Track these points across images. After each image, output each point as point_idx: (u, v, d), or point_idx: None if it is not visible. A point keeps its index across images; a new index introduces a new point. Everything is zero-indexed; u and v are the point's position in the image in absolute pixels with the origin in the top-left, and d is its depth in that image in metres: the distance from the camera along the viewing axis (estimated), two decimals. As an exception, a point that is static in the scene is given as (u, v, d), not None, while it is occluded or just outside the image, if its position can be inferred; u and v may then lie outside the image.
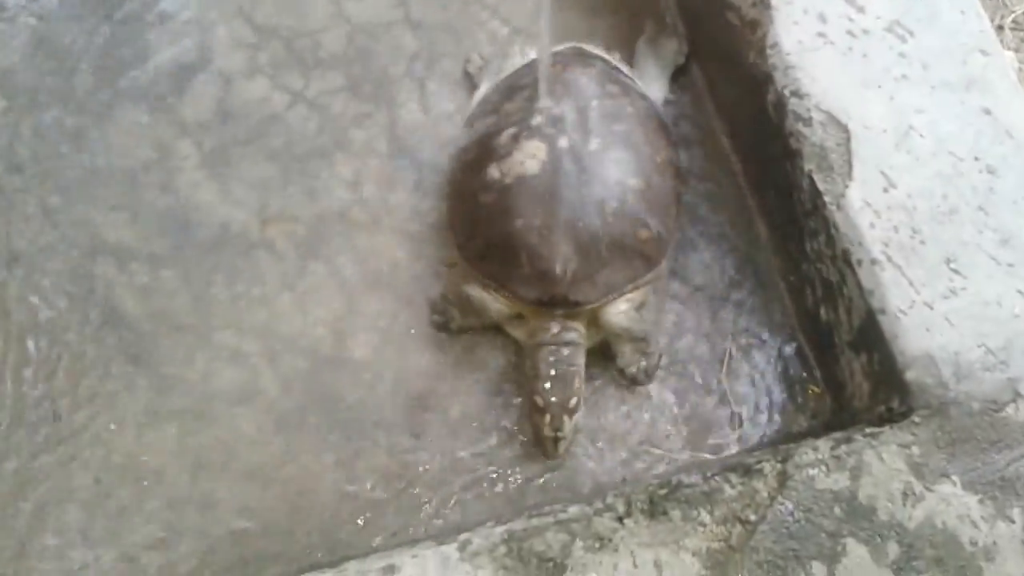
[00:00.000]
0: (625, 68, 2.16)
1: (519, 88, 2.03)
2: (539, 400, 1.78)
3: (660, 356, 1.93)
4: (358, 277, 2.04)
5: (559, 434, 1.78)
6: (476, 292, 1.89)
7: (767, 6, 1.90)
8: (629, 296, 1.86)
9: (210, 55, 2.29)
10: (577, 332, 1.84)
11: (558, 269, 1.77)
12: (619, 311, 1.85)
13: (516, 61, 2.19)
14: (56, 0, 2.34)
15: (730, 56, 2.04)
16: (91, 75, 2.27)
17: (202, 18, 2.32)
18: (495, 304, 1.88)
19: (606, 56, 2.15)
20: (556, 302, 1.81)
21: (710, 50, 2.22)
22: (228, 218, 2.10)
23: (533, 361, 1.83)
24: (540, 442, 1.82)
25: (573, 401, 1.78)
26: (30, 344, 1.98)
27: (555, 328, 1.83)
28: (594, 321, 1.88)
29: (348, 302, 2.01)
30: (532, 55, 2.15)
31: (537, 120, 1.88)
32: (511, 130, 1.90)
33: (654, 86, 2.17)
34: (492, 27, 2.31)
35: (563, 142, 1.83)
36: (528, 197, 1.80)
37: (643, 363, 1.90)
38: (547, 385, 1.79)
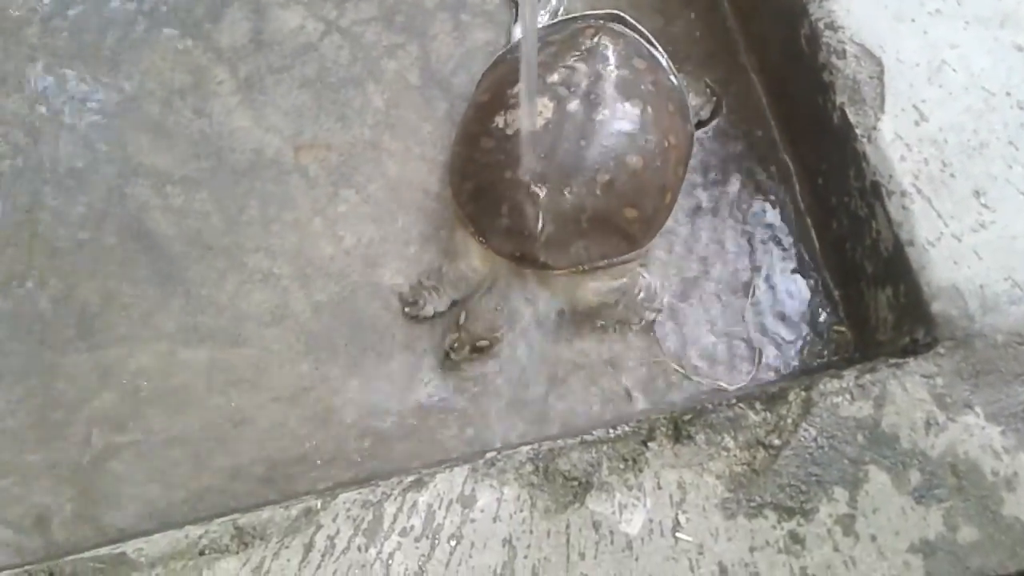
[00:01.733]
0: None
1: (549, 43, 2.00)
2: (461, 317, 1.83)
3: (647, 286, 1.91)
4: (388, 204, 2.05)
5: (452, 355, 1.82)
6: (460, 235, 1.92)
7: (801, -62, 1.89)
8: (602, 273, 1.85)
9: (245, -18, 2.30)
10: (540, 298, 1.87)
11: (535, 228, 1.76)
12: (591, 287, 1.86)
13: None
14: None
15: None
16: (126, 1, 2.28)
17: (237, -55, 2.33)
18: (473, 251, 1.89)
19: (645, 31, 2.10)
20: (526, 260, 1.80)
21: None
22: (262, 144, 2.12)
23: (491, 288, 1.87)
24: (439, 346, 1.88)
25: (483, 343, 1.81)
26: (64, 263, 2.01)
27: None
28: (561, 291, 1.88)
29: (379, 229, 2.03)
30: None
31: (553, 78, 1.86)
32: None
33: None
34: (527, -36, 2.29)
35: (572, 105, 1.81)
36: (524, 151, 1.80)
37: (636, 306, 1.90)
38: (475, 314, 1.83)
